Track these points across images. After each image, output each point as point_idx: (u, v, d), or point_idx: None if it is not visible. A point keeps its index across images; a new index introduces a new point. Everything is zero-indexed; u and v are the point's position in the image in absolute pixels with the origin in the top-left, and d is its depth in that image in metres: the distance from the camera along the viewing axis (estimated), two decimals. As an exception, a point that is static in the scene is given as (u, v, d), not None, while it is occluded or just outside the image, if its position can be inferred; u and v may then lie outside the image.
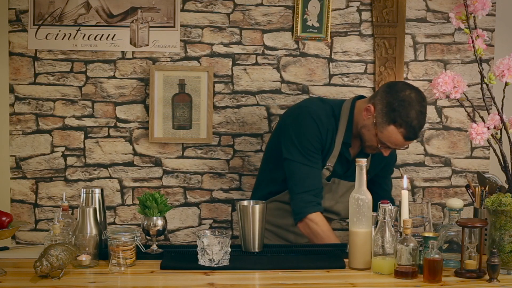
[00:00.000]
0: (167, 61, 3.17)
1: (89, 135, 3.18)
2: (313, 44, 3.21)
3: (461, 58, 3.27)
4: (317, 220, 2.54)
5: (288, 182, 2.61)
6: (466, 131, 3.08)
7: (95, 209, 2.29)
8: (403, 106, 2.45)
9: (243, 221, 2.35)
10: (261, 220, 2.35)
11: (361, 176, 2.19)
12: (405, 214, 2.23)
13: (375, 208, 2.20)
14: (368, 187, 2.25)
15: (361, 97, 2.66)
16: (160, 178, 3.22)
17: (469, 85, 2.31)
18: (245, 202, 2.41)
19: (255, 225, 2.33)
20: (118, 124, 3.19)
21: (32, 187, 3.18)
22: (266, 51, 3.21)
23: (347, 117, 2.62)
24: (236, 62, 3.20)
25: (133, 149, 3.20)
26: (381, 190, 2.74)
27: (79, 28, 3.12)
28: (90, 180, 3.19)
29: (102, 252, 2.23)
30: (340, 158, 2.64)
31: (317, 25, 3.18)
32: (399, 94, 2.47)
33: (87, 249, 2.18)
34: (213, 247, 2.14)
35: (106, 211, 2.44)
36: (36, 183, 3.18)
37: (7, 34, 3.12)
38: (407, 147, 2.59)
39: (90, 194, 2.38)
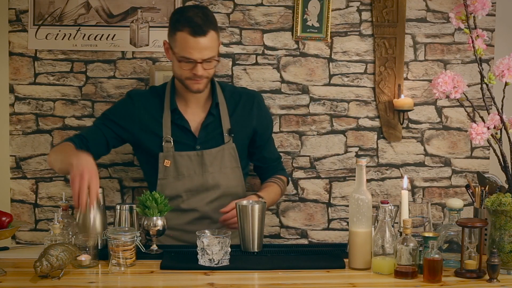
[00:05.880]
0: (167, 61, 3.17)
1: (89, 135, 3.18)
2: (313, 44, 3.21)
3: (461, 58, 3.27)
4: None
5: None
6: (466, 131, 3.08)
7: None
8: (179, 13, 2.56)
9: (242, 221, 2.35)
10: (261, 220, 2.35)
11: (361, 175, 2.19)
12: (405, 214, 2.23)
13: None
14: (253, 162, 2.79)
15: None
16: (160, 178, 3.22)
17: (469, 85, 2.32)
18: (244, 202, 2.41)
19: (254, 225, 2.33)
20: (118, 124, 3.19)
21: (32, 187, 3.18)
22: (266, 51, 3.21)
23: (170, 86, 2.67)
24: (236, 62, 3.20)
25: (133, 149, 3.20)
26: (265, 161, 2.84)
27: (79, 28, 3.12)
28: (90, 180, 3.18)
29: (102, 252, 2.23)
30: (177, 128, 2.63)
31: (317, 25, 3.18)
32: (175, 10, 2.63)
33: (87, 249, 2.18)
34: (213, 247, 2.14)
35: (106, 211, 2.44)
36: (36, 183, 3.18)
37: (7, 34, 3.11)
38: (215, 62, 2.54)
39: (90, 194, 2.38)
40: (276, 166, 2.87)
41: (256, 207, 2.35)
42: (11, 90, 3.15)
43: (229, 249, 2.17)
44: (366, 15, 3.23)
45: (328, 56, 3.23)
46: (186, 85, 2.57)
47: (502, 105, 2.23)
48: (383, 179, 3.28)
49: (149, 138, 2.65)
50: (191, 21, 2.48)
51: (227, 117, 2.67)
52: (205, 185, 2.64)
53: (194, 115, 2.66)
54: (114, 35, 3.14)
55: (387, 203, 2.14)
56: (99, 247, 2.26)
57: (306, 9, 3.16)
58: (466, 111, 2.32)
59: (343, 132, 3.24)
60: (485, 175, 2.44)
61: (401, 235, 2.16)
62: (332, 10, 3.18)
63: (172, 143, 2.62)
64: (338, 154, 3.25)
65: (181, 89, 2.64)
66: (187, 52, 2.48)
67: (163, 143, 2.63)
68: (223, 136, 2.66)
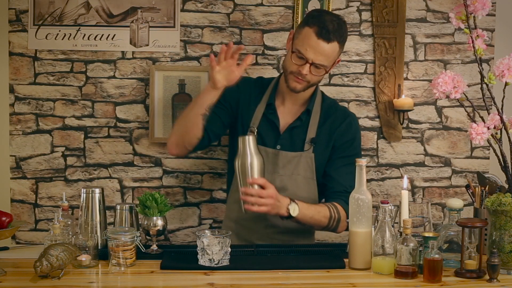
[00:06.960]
0: (167, 61, 3.17)
1: (89, 135, 3.18)
2: (313, 44, 3.21)
3: (461, 58, 3.27)
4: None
5: None
6: (466, 131, 3.08)
7: (254, 137, 2.38)
8: (318, 12, 2.62)
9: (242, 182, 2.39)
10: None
11: (361, 176, 2.19)
12: (405, 214, 2.23)
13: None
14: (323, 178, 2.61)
15: None
16: (160, 178, 3.22)
17: (469, 85, 2.32)
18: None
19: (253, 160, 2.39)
20: (118, 124, 3.19)
21: (32, 187, 3.18)
22: (266, 51, 3.21)
23: (274, 81, 2.70)
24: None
25: (133, 149, 3.20)
26: (330, 180, 2.63)
27: (79, 28, 3.12)
28: (90, 180, 3.19)
29: (102, 252, 2.23)
30: (267, 122, 2.64)
31: (317, 25, 3.18)
32: (316, 9, 2.68)
33: (87, 249, 2.18)
34: (213, 247, 2.14)
35: (106, 211, 2.44)
36: (36, 183, 3.18)
37: (7, 34, 3.12)
38: (324, 71, 2.55)
39: (90, 194, 2.38)
40: (340, 195, 2.58)
41: (251, 138, 2.40)
42: (11, 90, 3.15)
43: (229, 249, 2.17)
44: (366, 15, 3.23)
45: (328, 56, 3.23)
46: (287, 79, 2.58)
47: (502, 105, 2.23)
48: (383, 179, 3.28)
49: (238, 122, 2.67)
50: (323, 23, 2.49)
51: (315, 126, 2.64)
52: (273, 184, 2.53)
53: (286, 115, 2.66)
54: (114, 35, 3.14)
55: (387, 203, 2.14)
56: (99, 247, 2.26)
57: (306, 9, 3.16)
58: (466, 111, 2.32)
59: (343, 132, 3.24)
60: (485, 175, 2.44)
61: (401, 235, 2.16)
62: (332, 10, 3.18)
63: (256, 135, 2.61)
64: (338, 154, 3.25)
65: (283, 85, 2.64)
66: (303, 48, 2.49)
67: (248, 132, 2.62)
68: (305, 144, 2.63)
